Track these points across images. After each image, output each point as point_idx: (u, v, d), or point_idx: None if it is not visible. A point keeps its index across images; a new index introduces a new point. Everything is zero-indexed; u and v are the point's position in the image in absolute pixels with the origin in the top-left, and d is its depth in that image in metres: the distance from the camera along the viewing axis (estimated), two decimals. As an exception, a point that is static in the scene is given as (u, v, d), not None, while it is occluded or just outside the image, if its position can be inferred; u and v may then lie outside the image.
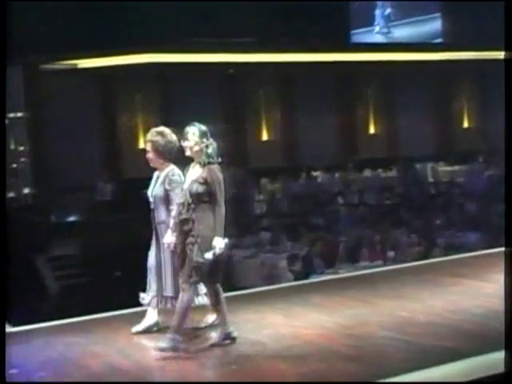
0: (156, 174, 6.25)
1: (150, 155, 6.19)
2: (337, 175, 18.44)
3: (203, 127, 5.71)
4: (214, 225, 5.50)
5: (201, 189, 5.53)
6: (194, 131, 5.64)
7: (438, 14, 20.95)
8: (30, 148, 17.78)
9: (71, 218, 16.79)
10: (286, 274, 11.82)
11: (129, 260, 13.41)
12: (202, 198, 5.54)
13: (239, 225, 14.43)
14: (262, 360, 5.45)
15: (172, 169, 6.15)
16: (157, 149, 6.13)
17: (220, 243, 5.46)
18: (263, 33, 17.61)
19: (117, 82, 17.89)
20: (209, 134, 5.69)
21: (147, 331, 6.28)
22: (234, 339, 5.75)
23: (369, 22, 20.59)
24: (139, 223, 14.94)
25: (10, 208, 17.66)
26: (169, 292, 6.19)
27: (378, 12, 20.65)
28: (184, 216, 5.57)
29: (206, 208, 5.54)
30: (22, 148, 18.07)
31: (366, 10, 20.59)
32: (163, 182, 6.11)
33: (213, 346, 5.74)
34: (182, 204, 5.60)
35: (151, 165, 6.25)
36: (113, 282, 13.18)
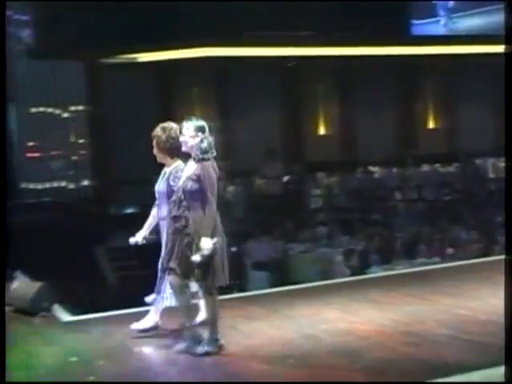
0: (164, 169, 6.09)
1: (155, 151, 6.05)
2: (395, 170, 18.21)
3: (199, 122, 5.50)
4: (204, 223, 5.30)
5: (194, 186, 5.35)
6: (188, 126, 5.46)
7: (502, 5, 20.43)
8: (90, 140, 18.08)
9: (130, 210, 17.00)
10: (342, 268, 11.74)
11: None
12: (196, 196, 5.35)
13: (296, 219, 14.41)
14: (317, 355, 5.42)
15: (178, 165, 5.94)
16: (159, 144, 5.98)
17: (207, 244, 5.24)
18: (323, 26, 17.47)
19: (176, 75, 18.01)
20: (206, 129, 5.48)
21: (145, 331, 6.18)
22: (219, 347, 5.52)
23: (431, 13, 20.22)
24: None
25: (71, 199, 18.04)
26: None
27: (440, 3, 20.26)
28: (174, 213, 5.42)
29: (199, 206, 5.34)
30: (82, 141, 18.39)
31: (429, 1, 20.23)
32: (168, 178, 5.95)
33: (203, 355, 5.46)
34: (174, 201, 5.45)
35: (158, 160, 6.10)
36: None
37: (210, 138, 5.49)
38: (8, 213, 16.87)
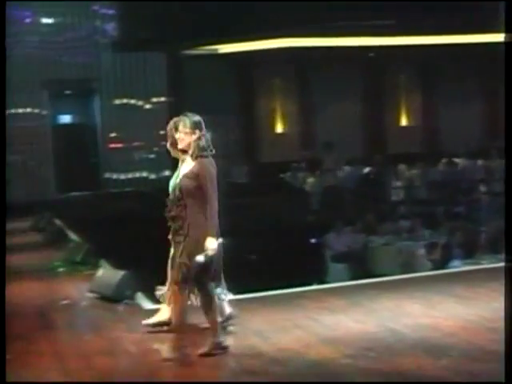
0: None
1: (169, 145, 5.83)
2: (479, 162, 17.75)
3: (196, 118, 5.26)
4: (206, 224, 5.10)
5: (191, 184, 5.15)
6: (184, 122, 5.24)
7: None
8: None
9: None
10: (425, 262, 11.51)
11: (265, 244, 13.56)
12: (193, 194, 5.15)
13: (377, 211, 14.22)
14: (400, 350, 5.31)
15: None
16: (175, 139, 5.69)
17: (212, 244, 5.07)
18: (403, 15, 17.15)
19: (256, 66, 18.04)
20: (202, 126, 5.26)
21: (157, 326, 6.08)
22: (225, 348, 5.36)
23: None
24: (276, 207, 15.15)
25: (152, 189, 18.32)
26: None
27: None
28: (173, 213, 5.25)
29: (198, 205, 5.15)
30: (162, 132, 18.63)
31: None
32: None
33: (202, 355, 5.29)
34: (172, 200, 5.27)
35: (172, 155, 5.86)
36: (248, 265, 13.32)
37: (208, 136, 5.28)
38: (92, 202, 17.34)
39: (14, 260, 10.16)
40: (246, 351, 5.52)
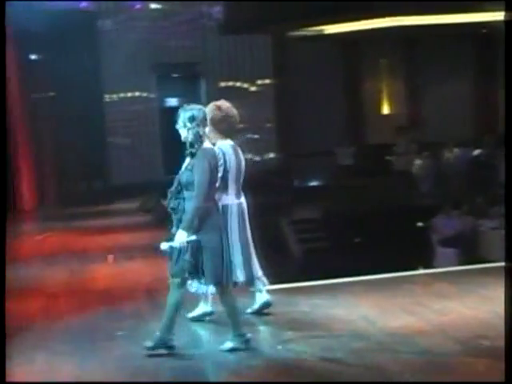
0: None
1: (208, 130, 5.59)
2: None
3: (190, 111, 5.13)
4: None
5: (189, 177, 5.09)
6: (179, 115, 5.18)
7: None
8: (276, 113, 18.33)
9: (314, 183, 17.10)
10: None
11: (369, 226, 13.41)
12: (191, 188, 5.07)
13: (487, 194, 13.77)
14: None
15: (218, 145, 5.76)
16: (214, 124, 5.84)
17: (180, 236, 4.96)
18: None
19: (361, 46, 17.77)
20: (196, 119, 5.09)
21: (200, 319, 6.02)
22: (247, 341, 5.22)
23: None
24: (381, 189, 14.94)
25: (257, 172, 18.44)
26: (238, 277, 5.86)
27: None
28: (172, 205, 5.16)
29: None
30: (268, 114, 18.66)
31: None
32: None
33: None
34: (171, 192, 5.18)
35: (210, 141, 5.61)
36: (353, 248, 13.22)
37: (198, 128, 5.09)
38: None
39: (123, 240, 10.46)
40: (353, 335, 5.47)
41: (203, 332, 5.89)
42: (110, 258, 8.87)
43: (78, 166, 15.70)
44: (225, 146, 5.86)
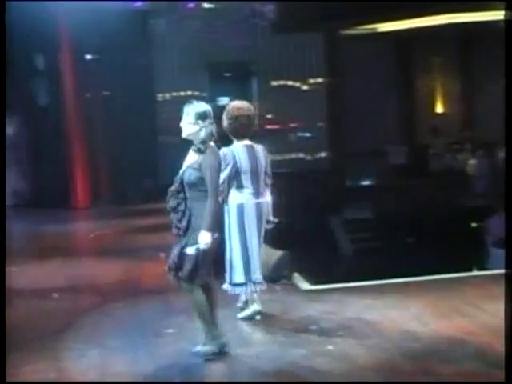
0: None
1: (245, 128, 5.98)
2: None
3: (201, 107, 5.00)
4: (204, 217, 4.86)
5: (194, 176, 4.89)
6: (188, 111, 4.99)
7: None
8: (327, 112, 18.25)
9: (365, 182, 16.97)
10: None
11: (422, 227, 13.25)
12: (196, 187, 4.90)
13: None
14: None
15: (230, 146, 5.93)
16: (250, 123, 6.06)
17: (205, 238, 4.80)
18: None
19: (414, 44, 17.56)
20: (207, 116, 4.98)
21: (252, 317, 6.04)
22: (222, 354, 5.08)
23: None
24: (434, 189, 14.74)
25: (308, 171, 18.41)
26: (258, 277, 5.96)
27: None
28: (170, 204, 4.98)
29: (201, 198, 4.88)
30: (319, 113, 18.59)
31: None
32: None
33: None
34: (171, 191, 5.00)
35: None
36: (405, 248, 13.08)
37: (211, 127, 5.00)
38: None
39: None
40: (404, 335, 5.42)
41: (251, 330, 5.89)
42: (162, 255, 8.94)
43: (130, 165, 15.87)
44: (236, 147, 5.91)
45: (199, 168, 4.87)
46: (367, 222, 14.57)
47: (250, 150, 5.93)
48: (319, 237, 12.76)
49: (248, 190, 5.88)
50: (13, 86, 15.63)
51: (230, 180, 5.78)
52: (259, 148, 6.04)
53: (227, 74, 19.10)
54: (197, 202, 4.88)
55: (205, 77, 18.20)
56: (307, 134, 19.11)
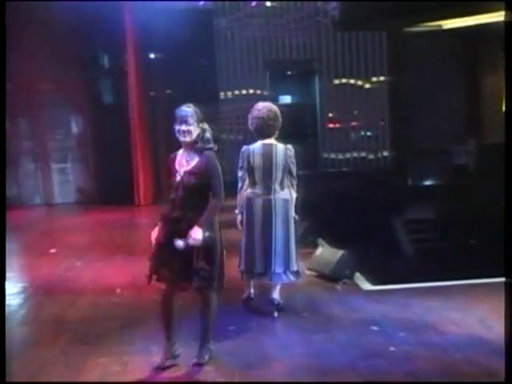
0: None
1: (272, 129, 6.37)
2: None
3: (197, 110, 4.92)
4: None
5: (197, 180, 4.77)
6: (192, 113, 4.85)
7: None
8: (390, 111, 18.07)
9: (428, 182, 16.73)
10: None
11: (486, 227, 12.96)
12: (199, 192, 4.78)
13: None
14: None
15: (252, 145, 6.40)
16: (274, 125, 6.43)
17: (197, 234, 4.67)
18: None
19: (480, 41, 17.20)
20: (203, 118, 4.96)
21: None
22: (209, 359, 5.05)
23: None
24: (499, 190, 14.42)
25: (370, 170, 18.25)
26: (258, 270, 6.24)
27: None
28: (176, 214, 4.80)
29: (200, 204, 4.76)
30: (382, 111, 18.42)
31: None
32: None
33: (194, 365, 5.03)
34: (173, 200, 4.81)
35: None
36: (469, 249, 12.84)
37: (209, 129, 4.99)
38: (310, 181, 17.56)
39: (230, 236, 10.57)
40: (468, 339, 5.32)
41: (311, 329, 5.87)
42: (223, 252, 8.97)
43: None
44: (254, 146, 6.30)
45: (202, 172, 4.79)
46: (429, 223, 14.33)
47: (267, 149, 6.23)
48: (381, 236, 12.62)
49: (259, 186, 6.22)
50: (79, 85, 15.99)
51: (244, 175, 6.28)
52: (280, 148, 6.27)
53: (289, 73, 19.09)
54: (195, 209, 4.75)
55: (266, 75, 18.23)
56: (369, 133, 18.95)
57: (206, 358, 5.02)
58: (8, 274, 8.81)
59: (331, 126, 18.99)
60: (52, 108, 16.16)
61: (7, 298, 7.50)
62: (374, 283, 7.27)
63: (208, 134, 4.91)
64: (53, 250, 9.95)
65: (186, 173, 4.80)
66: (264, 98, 18.46)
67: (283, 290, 6.43)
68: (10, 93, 16.26)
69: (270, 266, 6.18)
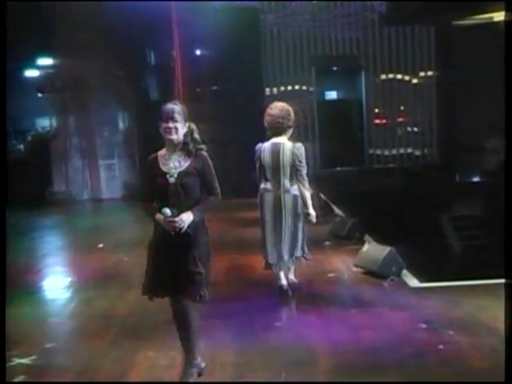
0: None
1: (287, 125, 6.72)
2: None
3: (183, 107, 4.54)
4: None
5: (193, 181, 4.46)
6: (180, 110, 4.48)
7: None
8: (436, 106, 17.87)
9: (476, 178, 16.49)
10: None
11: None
12: (197, 193, 4.47)
13: None
14: None
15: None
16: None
17: (187, 217, 4.33)
18: None
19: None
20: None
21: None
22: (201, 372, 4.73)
23: None
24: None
25: (417, 166, 18.07)
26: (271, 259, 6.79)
27: None
28: (172, 218, 4.37)
29: (193, 205, 4.43)
30: (429, 107, 18.21)
31: None
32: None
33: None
34: (173, 205, 4.38)
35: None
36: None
37: (195, 127, 4.64)
38: (356, 177, 17.48)
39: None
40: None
41: (358, 326, 5.84)
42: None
43: (239, 159, 16.05)
44: (266, 144, 6.66)
45: (200, 172, 4.48)
46: (477, 219, 14.14)
47: (275, 148, 6.58)
48: (428, 233, 12.49)
49: (270, 183, 6.63)
50: (126, 82, 16.16)
51: (257, 171, 6.72)
52: (288, 146, 6.57)
53: (334, 68, 19.01)
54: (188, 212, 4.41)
55: (312, 71, 18.18)
56: (416, 129, 18.76)
57: (195, 376, 4.67)
58: (57, 269, 9.02)
59: (377, 121, 18.85)
60: (99, 105, 16.37)
61: (58, 291, 7.64)
62: (422, 280, 7.19)
63: (197, 135, 4.57)
64: (100, 245, 10.08)
65: (182, 174, 4.45)
66: (310, 94, 18.44)
67: (331, 286, 6.41)
68: (58, 90, 16.61)
69: (280, 255, 6.71)
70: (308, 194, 6.65)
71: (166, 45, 15.07)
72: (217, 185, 4.54)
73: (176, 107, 4.48)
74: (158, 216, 4.42)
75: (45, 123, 21.06)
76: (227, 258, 8.55)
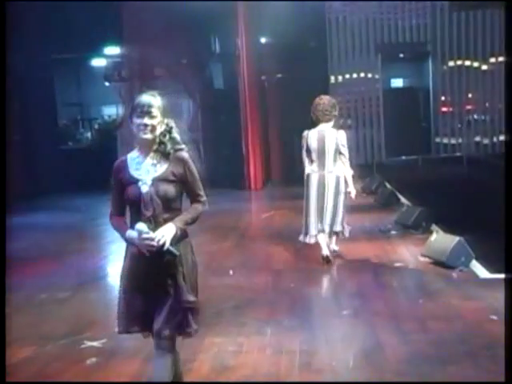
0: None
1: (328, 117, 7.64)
2: None
3: (161, 99, 3.77)
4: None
5: (172, 189, 3.67)
6: (158, 104, 3.71)
7: None
8: (506, 93, 17.44)
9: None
10: None
11: None
12: (176, 203, 3.70)
13: None
14: None
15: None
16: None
17: (169, 230, 3.55)
18: None
19: None
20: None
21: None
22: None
23: None
24: None
25: (485, 155, 17.70)
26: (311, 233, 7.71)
27: None
28: (147, 235, 3.52)
29: (174, 214, 3.67)
30: (499, 94, 17.80)
31: None
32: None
33: None
34: (149, 219, 3.59)
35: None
36: None
37: (174, 124, 3.85)
38: (423, 166, 17.20)
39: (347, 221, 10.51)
40: None
41: (428, 317, 5.75)
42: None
43: (299, 148, 16.05)
44: (312, 131, 7.62)
45: (180, 177, 3.70)
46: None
47: (321, 135, 7.57)
48: (498, 223, 12.21)
49: (315, 164, 7.63)
50: (191, 70, 16.26)
51: (303, 155, 7.72)
52: (331, 132, 7.57)
53: (401, 55, 18.74)
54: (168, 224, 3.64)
55: (378, 58, 17.97)
56: (484, 117, 18.37)
57: None
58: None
59: (444, 109, 18.54)
60: (164, 93, 16.51)
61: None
62: (492, 271, 7.02)
63: (176, 133, 3.79)
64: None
65: (157, 180, 3.67)
66: (375, 82, 18.24)
67: (398, 275, 6.32)
68: (124, 79, 16.82)
69: (322, 227, 7.60)
70: (350, 174, 7.61)
71: (231, 32, 15.09)
72: (202, 191, 3.80)
73: (154, 100, 3.71)
74: (130, 233, 3.61)
75: (111, 111, 21.42)
76: (291, 247, 8.56)
